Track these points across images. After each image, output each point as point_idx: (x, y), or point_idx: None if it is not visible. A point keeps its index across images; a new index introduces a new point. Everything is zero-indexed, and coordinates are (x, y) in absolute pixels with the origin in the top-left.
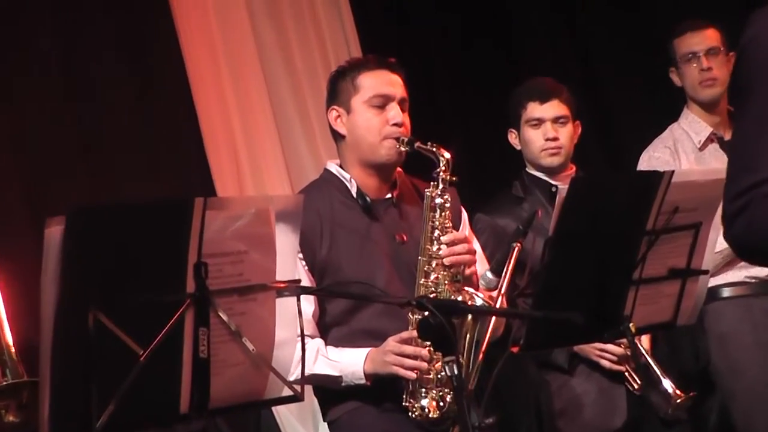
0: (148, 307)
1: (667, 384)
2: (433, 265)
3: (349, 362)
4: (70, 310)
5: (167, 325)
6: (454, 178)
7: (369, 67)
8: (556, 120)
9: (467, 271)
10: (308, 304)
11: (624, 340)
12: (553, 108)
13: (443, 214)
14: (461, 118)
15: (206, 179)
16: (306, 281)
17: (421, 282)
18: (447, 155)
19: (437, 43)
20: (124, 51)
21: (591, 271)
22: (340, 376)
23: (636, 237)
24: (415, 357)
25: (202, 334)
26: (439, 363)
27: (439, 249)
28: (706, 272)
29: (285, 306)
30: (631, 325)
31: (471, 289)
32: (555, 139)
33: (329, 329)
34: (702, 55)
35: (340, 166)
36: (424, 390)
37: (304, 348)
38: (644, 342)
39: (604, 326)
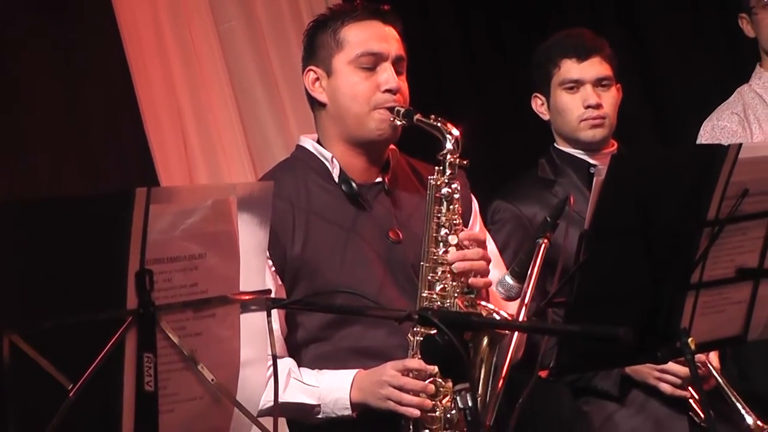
0: (78, 328)
1: (746, 414)
2: (439, 273)
3: (330, 387)
4: None
5: (103, 350)
6: (464, 162)
7: (356, 17)
8: (598, 82)
9: (481, 281)
10: (273, 318)
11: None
12: (595, 67)
13: (451, 207)
14: (472, 81)
15: (146, 164)
16: (274, 289)
17: (424, 294)
18: (455, 132)
19: None
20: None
21: (638, 272)
22: (318, 405)
23: (695, 229)
24: (417, 392)
25: (147, 362)
26: (447, 398)
27: (446, 252)
28: None
29: (251, 323)
30: (690, 340)
31: (490, 305)
32: (598, 106)
33: (303, 347)
34: None
35: (318, 142)
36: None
37: (276, 374)
38: (713, 360)
39: (656, 342)
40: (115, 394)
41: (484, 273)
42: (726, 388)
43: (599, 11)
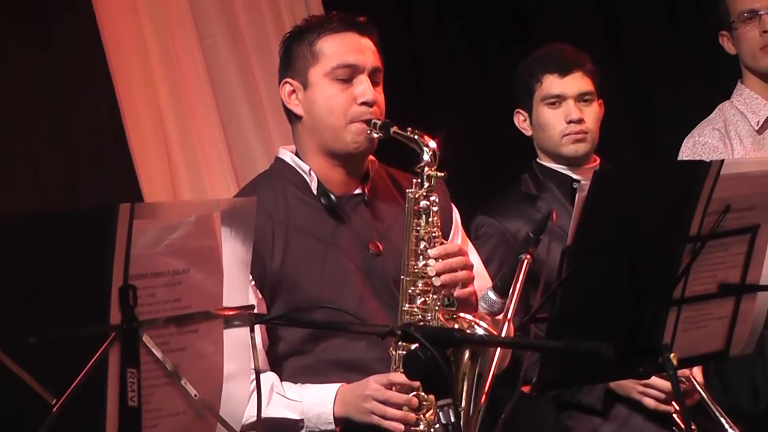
0: (61, 343)
1: (729, 429)
2: (420, 285)
3: (313, 402)
4: None
5: (86, 365)
6: (441, 175)
7: (332, 29)
8: (580, 97)
9: (463, 292)
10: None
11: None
12: (577, 82)
13: (430, 220)
14: (453, 95)
15: (130, 178)
16: (254, 302)
17: (405, 308)
18: (433, 145)
19: (421, 2)
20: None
21: (621, 288)
22: (301, 420)
23: (677, 245)
24: (401, 406)
25: (130, 377)
26: (431, 412)
27: (426, 265)
28: (766, 288)
29: (233, 336)
30: (672, 355)
31: (469, 316)
32: (580, 120)
33: (284, 360)
34: (765, 14)
35: (296, 154)
36: None
37: (260, 388)
38: (697, 375)
39: (638, 358)
40: (99, 409)
41: (468, 281)
42: (710, 403)
43: (583, 26)
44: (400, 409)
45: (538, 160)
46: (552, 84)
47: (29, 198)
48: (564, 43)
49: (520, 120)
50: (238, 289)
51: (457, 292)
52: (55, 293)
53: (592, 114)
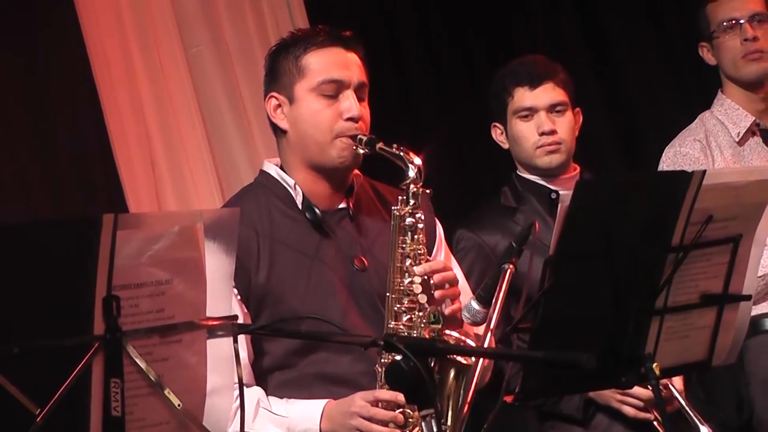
0: (45, 353)
1: None
2: (405, 303)
3: (299, 417)
4: None
5: (70, 375)
6: (427, 191)
7: (318, 43)
8: (551, 108)
9: (448, 309)
10: (240, 346)
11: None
12: (547, 93)
13: (416, 237)
14: (436, 108)
15: (114, 187)
16: (239, 316)
17: (391, 325)
18: (418, 161)
19: (407, 13)
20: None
21: (603, 298)
22: None
23: (659, 255)
24: (387, 422)
25: (114, 387)
26: (417, 429)
27: (411, 283)
28: (748, 298)
29: (217, 348)
30: (654, 365)
31: (455, 333)
32: (552, 132)
33: (269, 374)
34: (746, 22)
35: (281, 168)
36: None
37: (243, 401)
38: (677, 383)
39: (620, 368)
40: (83, 419)
41: (452, 298)
42: (688, 410)
43: (567, 36)
44: (386, 425)
45: (517, 172)
46: (523, 97)
47: (14, 208)
48: (547, 53)
49: (497, 133)
50: (221, 299)
51: (448, 310)
52: (38, 303)
53: (565, 124)
